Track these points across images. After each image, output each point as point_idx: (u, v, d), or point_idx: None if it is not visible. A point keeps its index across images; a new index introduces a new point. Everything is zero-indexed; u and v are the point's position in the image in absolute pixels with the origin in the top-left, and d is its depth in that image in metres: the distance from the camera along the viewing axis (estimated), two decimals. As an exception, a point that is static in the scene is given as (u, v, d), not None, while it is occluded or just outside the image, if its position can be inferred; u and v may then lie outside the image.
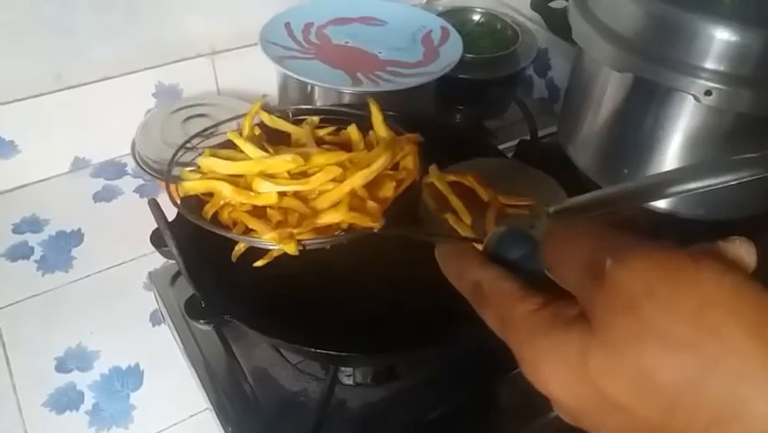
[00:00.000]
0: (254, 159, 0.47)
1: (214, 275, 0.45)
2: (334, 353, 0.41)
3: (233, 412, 0.51)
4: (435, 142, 0.55)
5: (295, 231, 0.42)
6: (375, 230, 0.43)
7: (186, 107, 0.79)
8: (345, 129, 0.53)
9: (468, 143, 0.60)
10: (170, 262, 0.61)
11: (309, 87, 0.72)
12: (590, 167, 0.66)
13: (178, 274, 0.60)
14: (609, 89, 0.61)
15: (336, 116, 0.55)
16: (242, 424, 0.49)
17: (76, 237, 0.72)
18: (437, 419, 0.50)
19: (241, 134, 0.51)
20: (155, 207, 0.42)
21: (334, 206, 0.44)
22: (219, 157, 0.48)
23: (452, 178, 0.55)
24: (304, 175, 0.46)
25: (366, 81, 0.71)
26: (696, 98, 0.54)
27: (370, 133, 0.52)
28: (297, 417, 0.49)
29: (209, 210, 0.46)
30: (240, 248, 0.45)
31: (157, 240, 0.44)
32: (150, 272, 0.62)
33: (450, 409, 0.51)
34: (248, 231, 0.44)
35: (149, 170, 0.73)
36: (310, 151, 0.48)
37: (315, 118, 0.55)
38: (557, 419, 0.50)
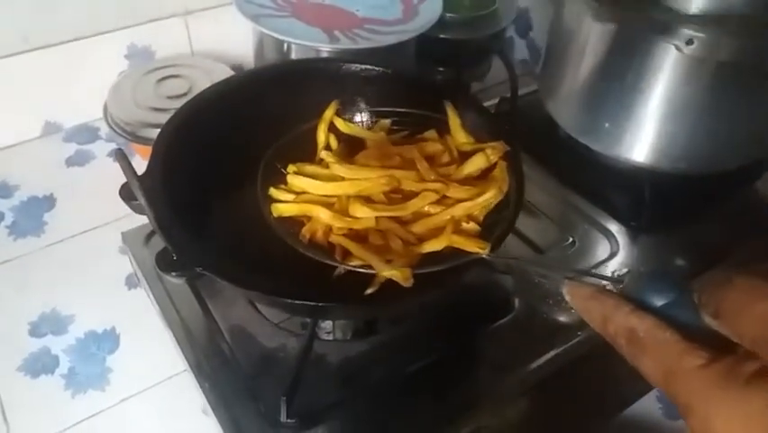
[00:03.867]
0: (348, 180, 0.47)
1: (186, 229, 0.43)
2: (312, 303, 0.41)
3: (210, 371, 0.50)
4: (415, 96, 0.54)
5: (404, 267, 0.41)
6: (483, 256, 0.43)
7: (159, 68, 0.77)
8: (420, 134, 0.53)
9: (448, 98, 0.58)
10: (144, 222, 0.60)
11: (286, 45, 0.71)
12: (571, 123, 0.65)
13: (151, 234, 0.59)
14: (590, 42, 0.60)
15: (407, 118, 0.54)
16: (220, 382, 0.49)
17: (48, 202, 0.71)
18: (418, 372, 0.50)
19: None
20: (123, 158, 0.40)
21: (437, 230, 0.44)
22: (304, 174, 0.48)
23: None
24: (398, 192, 0.47)
25: (344, 39, 0.69)
26: (678, 48, 0.53)
27: (447, 138, 0.52)
28: (275, 373, 0.48)
29: (307, 233, 0.46)
30: (340, 271, 0.45)
31: (127, 193, 0.43)
32: (123, 233, 0.61)
33: (431, 362, 0.50)
34: (348, 254, 0.44)
35: (121, 133, 0.71)
36: (396, 172, 0.47)
37: (387, 121, 0.54)
38: (537, 370, 0.50)
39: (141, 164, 0.46)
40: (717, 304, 0.27)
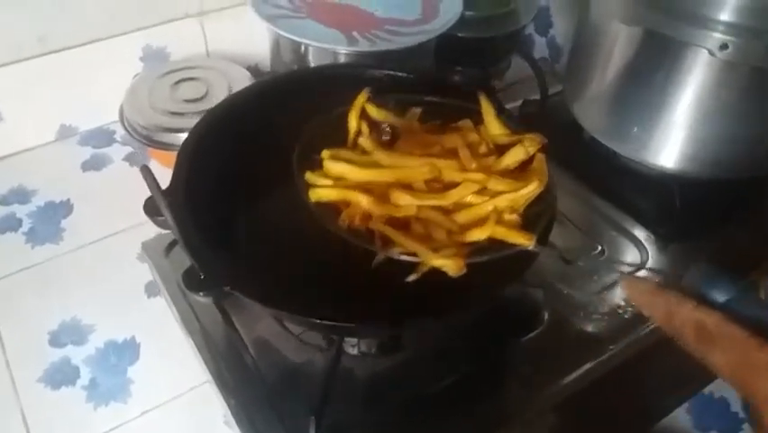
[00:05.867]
0: (388, 167, 0.46)
1: (212, 245, 0.42)
2: (340, 324, 0.40)
3: (233, 384, 0.49)
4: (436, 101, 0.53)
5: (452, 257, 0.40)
6: (529, 248, 0.42)
7: (174, 71, 0.76)
8: (454, 123, 0.51)
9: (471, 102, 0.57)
10: (163, 232, 0.59)
11: (303, 47, 0.70)
12: (598, 127, 0.64)
13: (171, 245, 0.58)
14: (618, 45, 0.59)
15: (439, 108, 0.53)
16: (244, 395, 0.48)
17: (65, 208, 0.70)
18: (446, 388, 0.49)
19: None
20: (148, 174, 0.39)
21: (480, 221, 0.43)
22: (340, 159, 0.47)
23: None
24: (439, 183, 0.46)
25: (362, 41, 0.68)
26: (711, 52, 0.52)
27: (481, 128, 0.50)
28: (302, 388, 0.48)
29: (346, 219, 0.44)
30: (379, 260, 0.44)
31: (150, 209, 0.42)
32: (143, 243, 0.60)
33: (459, 377, 0.49)
34: (388, 241, 0.43)
35: (138, 138, 0.70)
36: (438, 161, 0.46)
37: (418, 110, 0.53)
38: (568, 385, 0.49)
39: (157, 168, 0.44)
40: None
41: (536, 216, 0.44)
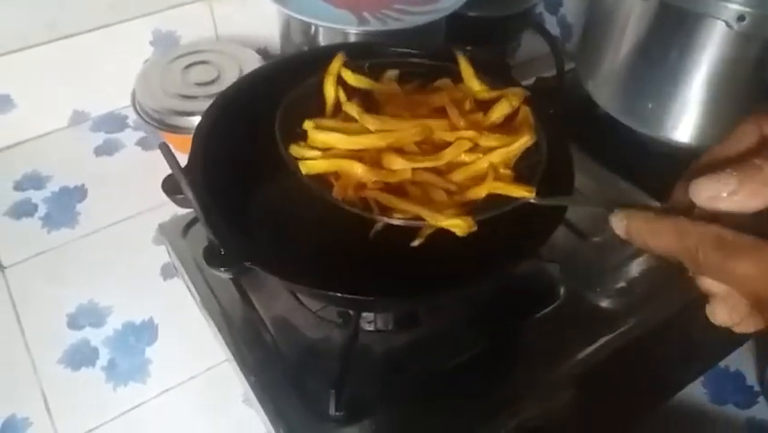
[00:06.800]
0: (378, 132, 0.44)
1: (231, 222, 0.43)
2: (358, 297, 0.40)
3: (253, 362, 0.49)
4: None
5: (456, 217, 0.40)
6: (531, 200, 0.41)
7: (185, 55, 0.76)
8: (432, 84, 0.50)
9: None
10: (180, 213, 0.60)
11: (313, 28, 0.69)
12: (612, 103, 0.64)
13: (189, 226, 0.58)
14: (633, 19, 0.58)
15: (415, 69, 0.52)
16: (265, 372, 0.48)
17: (79, 193, 0.70)
18: (462, 364, 0.49)
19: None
20: (167, 152, 0.40)
21: (477, 178, 0.42)
22: (323, 128, 0.45)
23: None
24: (429, 144, 0.44)
25: (373, 21, 0.68)
26: (728, 24, 0.51)
27: (462, 86, 0.50)
28: (321, 364, 0.48)
29: (340, 193, 0.42)
30: (378, 228, 0.43)
31: (170, 187, 0.42)
32: (160, 224, 0.60)
33: (475, 353, 0.50)
34: (386, 209, 0.42)
35: (150, 121, 0.70)
36: (428, 121, 0.45)
37: (394, 72, 0.52)
38: (584, 360, 0.49)
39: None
40: None
41: (528, 170, 0.43)
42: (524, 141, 0.44)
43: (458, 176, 0.43)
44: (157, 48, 0.79)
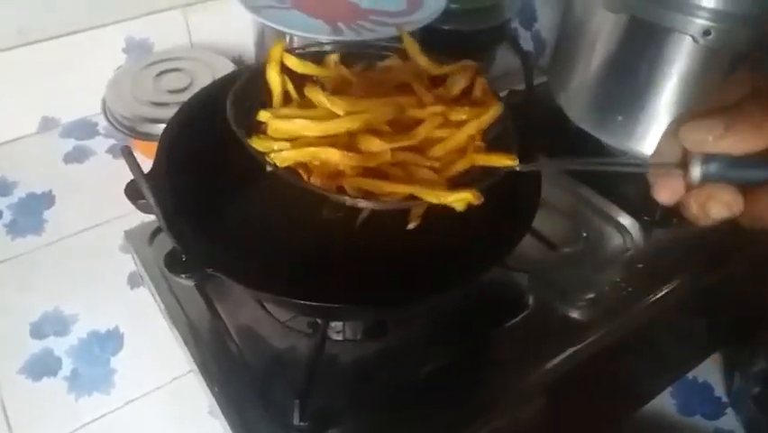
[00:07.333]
0: (347, 114, 0.42)
1: (194, 228, 0.42)
2: (324, 304, 0.39)
3: (218, 372, 0.49)
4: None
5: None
6: (516, 168, 0.40)
7: (158, 62, 0.75)
8: (376, 64, 0.49)
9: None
10: (146, 221, 0.59)
11: (288, 37, 0.69)
12: (583, 116, 0.64)
13: (155, 233, 0.57)
14: (603, 33, 0.59)
15: (354, 52, 0.51)
16: (229, 383, 0.47)
17: (47, 199, 0.69)
18: (431, 373, 0.49)
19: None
20: (129, 156, 0.39)
21: (457, 152, 0.42)
22: (279, 117, 0.42)
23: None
24: (399, 123, 0.43)
25: (347, 31, 0.68)
26: (694, 39, 0.52)
27: (409, 64, 0.49)
28: (286, 374, 0.47)
29: (317, 182, 0.40)
30: (364, 216, 0.42)
31: (132, 192, 0.41)
32: (126, 232, 0.59)
33: (444, 363, 0.49)
34: (369, 195, 0.40)
35: (121, 129, 0.69)
36: (399, 99, 0.44)
37: (335, 56, 0.50)
38: (553, 369, 0.49)
39: (140, 160, 0.43)
40: None
41: (497, 140, 0.43)
42: (494, 110, 0.44)
43: (438, 151, 0.42)
44: (130, 55, 0.78)
